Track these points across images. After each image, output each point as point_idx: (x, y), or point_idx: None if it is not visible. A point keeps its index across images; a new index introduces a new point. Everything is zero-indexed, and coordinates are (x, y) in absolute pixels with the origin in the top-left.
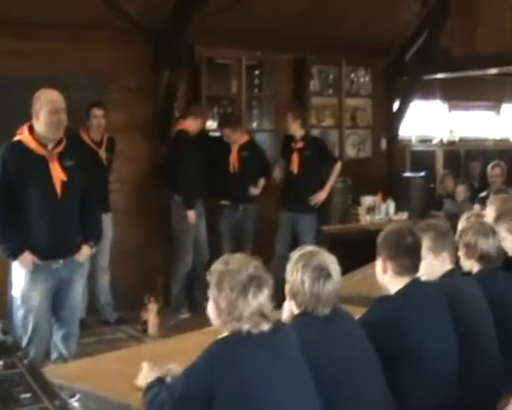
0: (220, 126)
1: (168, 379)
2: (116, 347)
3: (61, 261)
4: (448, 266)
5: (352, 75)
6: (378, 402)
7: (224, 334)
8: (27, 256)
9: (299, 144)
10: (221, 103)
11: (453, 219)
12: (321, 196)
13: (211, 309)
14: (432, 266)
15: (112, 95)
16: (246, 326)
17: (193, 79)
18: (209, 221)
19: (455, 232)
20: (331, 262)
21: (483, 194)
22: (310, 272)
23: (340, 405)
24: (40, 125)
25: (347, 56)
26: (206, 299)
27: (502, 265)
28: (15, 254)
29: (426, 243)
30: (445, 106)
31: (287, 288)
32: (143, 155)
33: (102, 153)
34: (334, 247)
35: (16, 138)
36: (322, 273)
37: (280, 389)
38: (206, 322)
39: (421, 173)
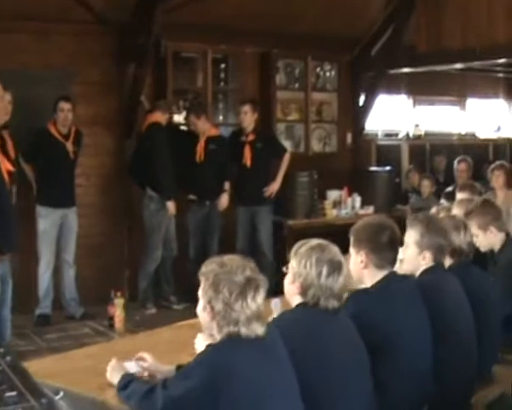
0: (187, 114)
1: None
2: (83, 342)
3: None
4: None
5: (318, 69)
6: (363, 401)
7: (218, 337)
8: None
9: (251, 137)
10: (187, 97)
11: (418, 213)
12: (275, 187)
13: (203, 311)
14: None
15: (76, 88)
16: (242, 329)
17: (159, 73)
18: (176, 216)
19: None
20: (340, 255)
21: (449, 189)
22: (326, 265)
23: (326, 400)
24: None
25: (313, 51)
26: (173, 293)
27: (473, 260)
28: None
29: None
30: (410, 100)
31: (296, 281)
32: (108, 149)
33: (69, 146)
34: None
35: None
36: (336, 266)
37: (275, 393)
38: (171, 317)
39: (387, 168)
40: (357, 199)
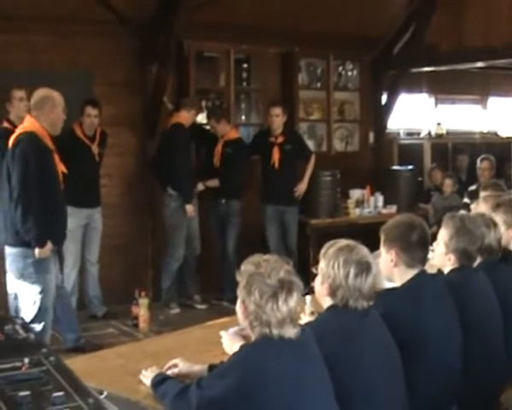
0: (207, 118)
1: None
2: (108, 342)
3: None
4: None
5: (340, 69)
6: (397, 401)
7: (253, 337)
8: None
9: (280, 139)
10: (209, 97)
11: (441, 212)
12: (303, 187)
13: (239, 309)
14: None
15: (99, 89)
16: (274, 331)
17: (181, 73)
18: (200, 215)
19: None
20: (368, 255)
21: (472, 187)
22: (354, 266)
23: (360, 402)
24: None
25: (335, 50)
26: (197, 292)
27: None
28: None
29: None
30: (432, 99)
31: (325, 282)
32: (131, 149)
33: (95, 148)
34: (323, 241)
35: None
36: (364, 267)
37: (309, 395)
38: (195, 317)
39: (409, 167)
40: (380, 198)
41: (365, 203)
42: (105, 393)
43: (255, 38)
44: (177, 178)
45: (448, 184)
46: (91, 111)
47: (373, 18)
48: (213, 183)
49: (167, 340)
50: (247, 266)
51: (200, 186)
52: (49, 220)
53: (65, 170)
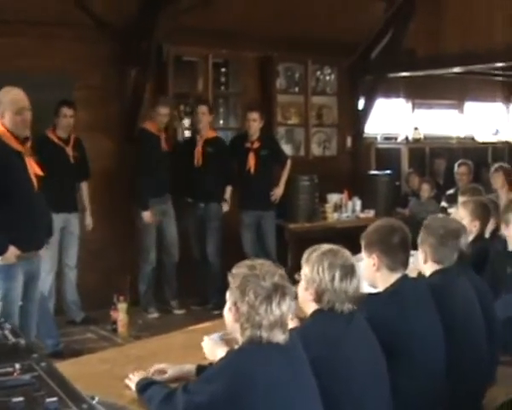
0: (197, 103)
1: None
2: (88, 347)
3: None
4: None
5: (318, 73)
6: (383, 404)
7: (241, 341)
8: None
9: (256, 144)
10: (188, 101)
11: (417, 217)
12: (279, 192)
13: (228, 312)
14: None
15: (77, 93)
16: (264, 335)
17: (160, 77)
18: (178, 220)
19: (418, 230)
20: (351, 258)
21: (450, 191)
22: (339, 269)
23: (347, 406)
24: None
25: (313, 55)
26: (174, 298)
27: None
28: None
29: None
30: (409, 104)
31: (310, 288)
32: (109, 154)
33: (69, 150)
34: (301, 245)
35: None
36: (349, 270)
37: (298, 400)
38: (174, 322)
39: (387, 171)
40: (358, 202)
41: (343, 208)
42: (96, 398)
43: (234, 42)
44: (136, 183)
45: (425, 190)
46: (67, 111)
47: (351, 23)
48: (229, 192)
49: (151, 344)
50: (240, 269)
51: (226, 207)
52: (12, 225)
53: (40, 172)
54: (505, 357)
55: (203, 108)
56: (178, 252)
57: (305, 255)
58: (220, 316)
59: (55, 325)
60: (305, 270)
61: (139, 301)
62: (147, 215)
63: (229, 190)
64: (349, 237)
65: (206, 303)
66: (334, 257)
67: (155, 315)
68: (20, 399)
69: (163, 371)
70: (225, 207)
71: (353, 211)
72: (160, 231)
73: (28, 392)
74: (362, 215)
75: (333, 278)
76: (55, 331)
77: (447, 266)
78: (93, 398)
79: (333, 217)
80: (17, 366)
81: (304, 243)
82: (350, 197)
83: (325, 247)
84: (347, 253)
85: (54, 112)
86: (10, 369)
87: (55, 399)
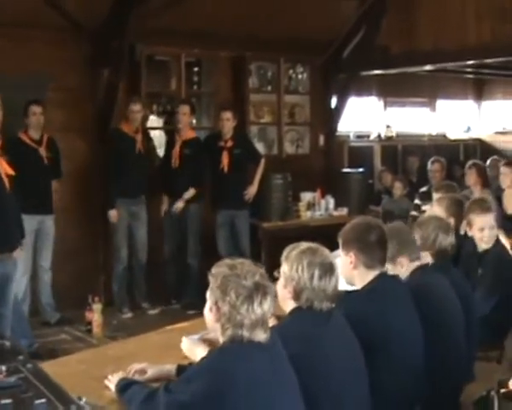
0: (181, 103)
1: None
2: (63, 348)
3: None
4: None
5: (291, 72)
6: (362, 401)
7: (222, 340)
8: None
9: (229, 143)
10: (160, 101)
11: (389, 215)
12: (253, 191)
13: (209, 312)
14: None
15: (51, 94)
16: (246, 334)
17: (132, 77)
18: (148, 221)
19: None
20: (330, 257)
21: (423, 189)
22: (318, 268)
23: (326, 403)
24: None
25: (285, 53)
26: (144, 300)
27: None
28: None
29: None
30: (381, 102)
31: (288, 285)
32: (83, 155)
33: (42, 151)
34: (274, 244)
35: None
36: (328, 268)
37: (279, 397)
38: (148, 322)
39: (360, 169)
40: (331, 201)
41: (316, 206)
42: (84, 399)
43: (206, 41)
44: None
45: (398, 187)
46: (36, 109)
47: (323, 21)
48: (189, 194)
49: (129, 345)
50: (220, 268)
51: (180, 204)
52: None
53: (10, 172)
54: (479, 353)
55: (185, 108)
56: (147, 255)
57: (284, 253)
58: (195, 316)
59: (28, 326)
60: (285, 268)
61: (113, 301)
62: (112, 214)
63: (190, 191)
64: (323, 236)
65: (179, 302)
66: (313, 255)
67: (129, 315)
68: (8, 401)
69: (143, 371)
70: (179, 204)
71: (326, 209)
72: (130, 234)
73: (16, 394)
74: (335, 213)
75: (312, 277)
76: (30, 332)
77: (425, 264)
78: (80, 399)
79: (306, 215)
80: (3, 367)
81: (277, 241)
82: (323, 195)
83: (304, 245)
84: (326, 251)
85: (23, 114)
86: None
87: (43, 400)
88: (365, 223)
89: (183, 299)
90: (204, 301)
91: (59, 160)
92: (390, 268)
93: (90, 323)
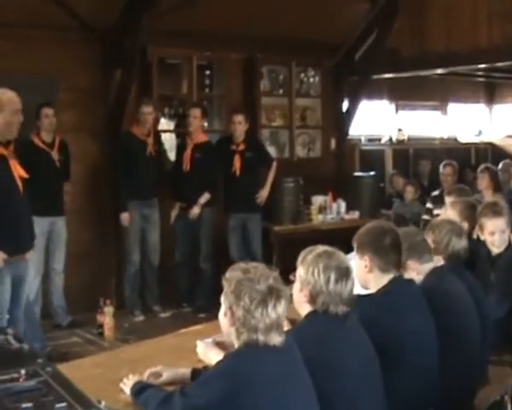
0: (193, 106)
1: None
2: (74, 351)
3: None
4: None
5: (302, 75)
6: (377, 405)
7: (237, 345)
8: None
9: (241, 146)
10: (172, 103)
11: (400, 218)
12: (264, 194)
13: (223, 317)
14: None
15: (62, 95)
16: (261, 338)
17: (144, 79)
18: (162, 224)
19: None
20: (347, 261)
21: (435, 193)
22: (334, 272)
23: (341, 406)
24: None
25: (297, 56)
26: (156, 303)
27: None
28: None
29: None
30: (393, 106)
31: (304, 289)
32: (95, 156)
33: (55, 154)
34: (286, 247)
35: None
36: (344, 272)
37: (295, 401)
38: (160, 325)
39: (371, 173)
40: (342, 204)
41: (328, 209)
42: (103, 403)
43: (218, 44)
44: (115, 186)
45: (409, 191)
46: (48, 111)
47: (335, 24)
48: (205, 198)
49: (143, 348)
50: (234, 273)
51: (196, 210)
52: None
53: (24, 174)
54: (493, 357)
55: (196, 112)
56: (159, 258)
57: (300, 257)
58: (206, 319)
59: (40, 328)
60: (300, 271)
61: (125, 304)
62: (124, 217)
63: (206, 196)
64: (334, 239)
65: (190, 306)
66: (329, 259)
67: (141, 318)
68: (29, 405)
69: (158, 375)
70: (195, 210)
71: (338, 213)
72: (142, 237)
73: (36, 398)
74: (346, 217)
75: (328, 280)
76: (42, 335)
77: (440, 267)
78: (100, 402)
79: (318, 219)
80: (22, 371)
81: (289, 245)
82: (334, 199)
83: (320, 248)
84: (342, 255)
85: (35, 117)
86: (16, 375)
87: (64, 404)
88: (380, 226)
89: (195, 302)
90: (215, 304)
91: (69, 163)
92: (405, 274)
93: (101, 326)
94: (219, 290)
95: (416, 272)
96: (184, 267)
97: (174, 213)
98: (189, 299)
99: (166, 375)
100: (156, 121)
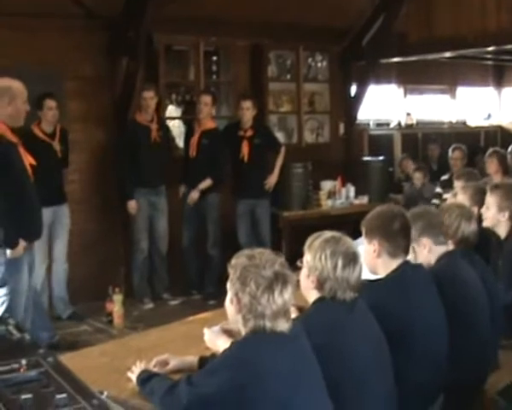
0: (203, 93)
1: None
2: (83, 339)
3: None
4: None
5: (310, 60)
6: (387, 390)
7: (244, 332)
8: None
9: (249, 132)
10: (179, 90)
11: (411, 202)
12: (273, 180)
13: (230, 304)
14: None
15: (68, 84)
16: (268, 324)
17: (150, 67)
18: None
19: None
20: (354, 246)
21: (445, 177)
22: (341, 257)
23: (350, 392)
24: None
25: (304, 42)
26: (165, 290)
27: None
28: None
29: None
30: (401, 90)
31: (311, 275)
32: (102, 145)
33: (56, 145)
34: (295, 233)
35: None
36: (351, 257)
37: (304, 387)
38: (169, 312)
39: (380, 157)
40: (351, 189)
41: (337, 194)
42: (105, 393)
43: (224, 30)
44: (119, 174)
45: (418, 178)
46: (52, 103)
47: (342, 8)
48: (205, 184)
49: (151, 336)
50: (239, 259)
51: (195, 195)
52: (19, 217)
53: (33, 161)
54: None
55: (206, 99)
56: (167, 245)
57: (307, 242)
58: (216, 306)
59: (48, 317)
60: (308, 257)
61: (133, 292)
62: (131, 205)
63: (207, 182)
64: (344, 224)
65: (199, 293)
66: (337, 245)
67: (150, 306)
68: (29, 396)
69: (165, 363)
70: (194, 195)
71: (347, 198)
72: (150, 224)
73: (37, 389)
74: (356, 202)
75: (335, 266)
76: (50, 324)
77: (453, 251)
78: (102, 393)
79: (327, 204)
80: (23, 361)
81: (298, 230)
82: (343, 184)
83: (327, 234)
84: (350, 240)
85: (37, 106)
86: (16, 365)
87: (64, 395)
88: (389, 211)
89: (204, 290)
90: (225, 291)
91: (68, 150)
92: (415, 247)
93: (110, 314)
94: (228, 277)
95: (428, 249)
96: (192, 252)
97: (182, 191)
98: (199, 286)
99: (173, 363)
100: (163, 108)
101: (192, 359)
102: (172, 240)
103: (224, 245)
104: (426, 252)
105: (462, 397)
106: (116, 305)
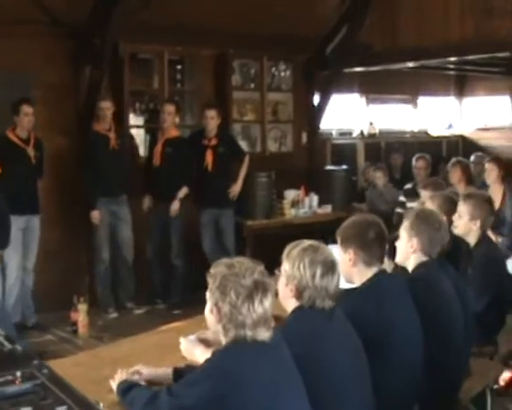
0: (166, 102)
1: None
2: (50, 350)
3: None
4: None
5: (273, 69)
6: (365, 399)
7: (224, 341)
8: None
9: (214, 141)
10: (143, 99)
11: (375, 212)
12: (237, 189)
13: (210, 314)
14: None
15: (34, 91)
16: (248, 333)
17: (115, 75)
18: (133, 221)
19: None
20: (332, 255)
21: (408, 186)
22: (320, 266)
23: (330, 401)
24: None
25: (268, 51)
26: (129, 301)
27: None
28: None
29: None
30: (363, 99)
31: (290, 284)
32: (64, 153)
33: (30, 151)
34: (259, 242)
35: None
36: (330, 266)
37: (285, 397)
38: (134, 321)
39: (343, 166)
40: (315, 198)
41: (300, 203)
42: (101, 404)
43: (189, 39)
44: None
45: (379, 177)
46: (28, 109)
47: (306, 18)
48: (182, 193)
49: (124, 347)
50: (218, 268)
51: (176, 205)
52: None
53: None
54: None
55: (170, 108)
56: (133, 254)
57: (285, 251)
58: (181, 316)
59: (13, 327)
60: (286, 266)
61: (97, 301)
62: (94, 215)
63: (184, 190)
64: (307, 233)
65: (164, 302)
66: (315, 253)
67: (115, 315)
68: (28, 409)
69: (138, 373)
70: (174, 206)
71: (310, 207)
72: (112, 233)
73: (35, 401)
74: (319, 211)
75: (314, 275)
76: (15, 334)
77: (429, 260)
78: (98, 403)
79: (290, 213)
80: (18, 373)
81: (262, 239)
82: (307, 193)
83: (305, 243)
84: (328, 249)
85: (12, 111)
86: (10, 377)
87: (64, 407)
88: (364, 220)
89: (169, 299)
90: (189, 301)
91: (43, 159)
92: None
93: (75, 323)
94: (193, 287)
95: (414, 253)
96: (156, 263)
97: (146, 205)
98: (163, 295)
99: (146, 374)
100: (127, 117)
101: (164, 370)
102: (137, 249)
103: (188, 255)
104: (412, 251)
105: (438, 406)
106: (81, 314)
